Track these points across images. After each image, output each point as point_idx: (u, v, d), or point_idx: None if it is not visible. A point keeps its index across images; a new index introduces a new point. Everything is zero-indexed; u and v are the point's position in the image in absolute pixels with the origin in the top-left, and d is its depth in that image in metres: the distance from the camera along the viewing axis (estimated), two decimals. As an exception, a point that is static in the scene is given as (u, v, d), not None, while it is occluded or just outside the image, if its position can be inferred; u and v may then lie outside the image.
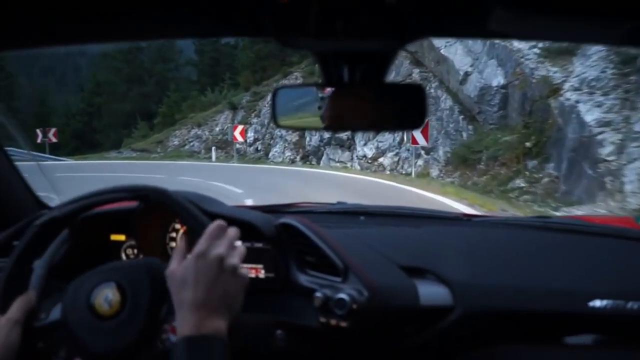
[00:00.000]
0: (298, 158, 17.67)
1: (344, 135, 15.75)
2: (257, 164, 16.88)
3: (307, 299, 0.98)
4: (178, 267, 0.72)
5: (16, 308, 0.78)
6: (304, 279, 1.04)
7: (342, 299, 0.95)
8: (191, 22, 0.64)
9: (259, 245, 1.11)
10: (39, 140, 19.13)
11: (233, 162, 17.09)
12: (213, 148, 18.34)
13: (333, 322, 0.96)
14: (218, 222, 0.76)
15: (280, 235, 1.08)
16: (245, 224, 1.07)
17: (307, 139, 17.02)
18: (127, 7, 0.56)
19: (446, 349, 0.99)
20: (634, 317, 0.93)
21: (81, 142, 26.58)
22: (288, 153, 17.98)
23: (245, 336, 0.96)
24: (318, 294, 0.97)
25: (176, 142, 20.99)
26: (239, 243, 0.78)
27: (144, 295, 0.81)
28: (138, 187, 0.92)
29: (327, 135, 15.90)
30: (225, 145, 17.99)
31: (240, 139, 17.26)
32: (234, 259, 0.74)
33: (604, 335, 0.94)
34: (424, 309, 0.97)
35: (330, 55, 0.73)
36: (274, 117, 0.84)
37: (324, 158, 16.60)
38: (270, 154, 18.39)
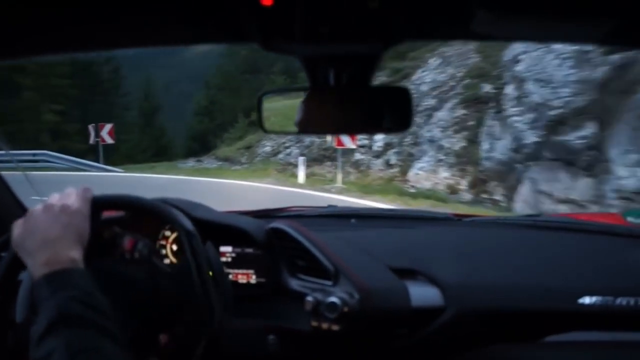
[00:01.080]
0: (463, 184, 9.24)
1: (574, 138, 7.81)
2: (378, 195, 9.34)
3: (299, 303, 1.08)
4: (17, 234, 0.90)
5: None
6: (295, 284, 1.13)
7: (333, 303, 1.02)
8: (174, 29, 0.65)
9: (250, 250, 1.19)
10: (91, 141, 15.22)
11: (332, 190, 10.42)
12: (300, 160, 12.64)
13: (325, 325, 1.03)
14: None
15: (270, 240, 1.18)
16: (236, 229, 1.17)
17: (486, 145, 9.30)
18: (110, 15, 0.59)
19: (438, 350, 1.07)
20: (623, 312, 0.98)
21: (199, 144, 26.95)
22: (444, 173, 9.98)
23: (238, 342, 1.05)
24: (309, 298, 1.05)
25: (268, 149, 16.88)
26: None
27: (133, 308, 0.90)
28: (122, 198, 1.01)
29: (532, 137, 8.41)
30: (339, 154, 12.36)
31: (349, 143, 10.70)
32: (58, 201, 0.91)
33: (593, 331, 1.00)
34: (415, 310, 1.05)
35: (316, 59, 0.75)
36: (260, 123, 0.92)
37: (525, 189, 8.00)
38: (410, 172, 10.79)
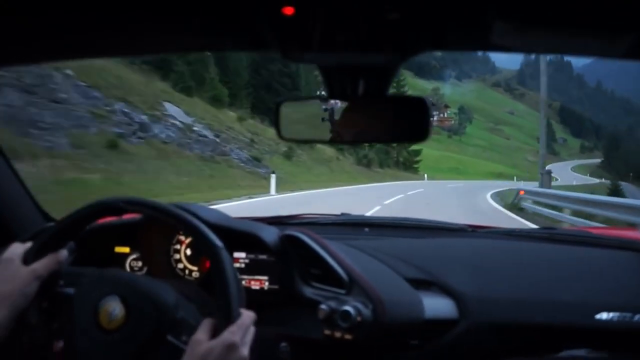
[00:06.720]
0: None
1: None
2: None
3: (312, 311, 1.06)
4: (204, 343, 0.83)
5: (43, 264, 0.90)
6: (308, 291, 1.12)
7: (347, 312, 1.01)
8: (196, 36, 0.65)
9: (263, 257, 1.18)
10: None
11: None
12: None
13: (338, 334, 1.02)
14: (251, 315, 0.87)
15: (284, 247, 1.17)
16: (250, 235, 1.16)
17: None
18: (134, 22, 0.59)
19: None
20: None
21: None
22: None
23: (250, 349, 1.01)
24: (323, 307, 1.04)
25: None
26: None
27: (149, 316, 0.86)
28: (135, 201, 0.97)
29: None
30: None
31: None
32: (245, 351, 0.88)
33: (610, 348, 0.97)
34: (429, 321, 1.04)
35: (335, 68, 0.75)
36: (277, 130, 0.90)
37: None
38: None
